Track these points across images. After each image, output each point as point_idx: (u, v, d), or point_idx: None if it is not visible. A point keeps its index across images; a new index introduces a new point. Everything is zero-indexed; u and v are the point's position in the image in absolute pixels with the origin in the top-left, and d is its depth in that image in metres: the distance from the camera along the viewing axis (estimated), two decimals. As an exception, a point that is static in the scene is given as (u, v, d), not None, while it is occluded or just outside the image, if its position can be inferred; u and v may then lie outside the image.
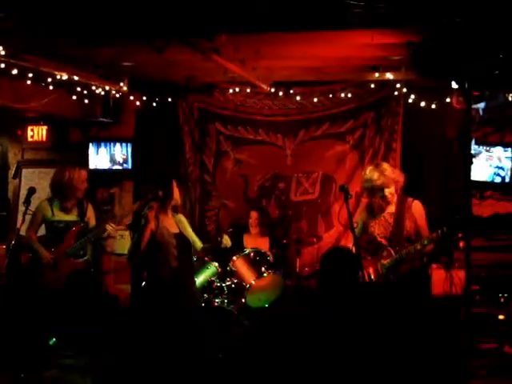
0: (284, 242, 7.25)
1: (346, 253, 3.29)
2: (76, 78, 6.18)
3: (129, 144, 7.96)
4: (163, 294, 4.75)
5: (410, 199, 5.11)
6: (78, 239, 5.77)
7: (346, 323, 2.95)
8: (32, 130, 8.23)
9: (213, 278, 6.46)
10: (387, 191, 5.06)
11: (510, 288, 6.05)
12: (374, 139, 7.36)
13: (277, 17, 4.37)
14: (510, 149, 6.41)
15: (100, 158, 8.02)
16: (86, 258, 5.92)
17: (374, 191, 5.10)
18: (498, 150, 6.42)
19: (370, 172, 5.12)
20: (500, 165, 6.44)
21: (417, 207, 5.07)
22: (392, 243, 5.05)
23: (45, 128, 8.17)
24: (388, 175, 5.04)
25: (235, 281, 6.52)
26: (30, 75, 5.91)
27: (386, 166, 5.16)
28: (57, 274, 5.70)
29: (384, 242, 5.11)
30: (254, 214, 7.24)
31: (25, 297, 5.74)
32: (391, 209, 5.13)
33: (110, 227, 5.71)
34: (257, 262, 6.58)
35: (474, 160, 6.29)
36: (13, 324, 5.80)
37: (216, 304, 6.24)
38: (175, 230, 4.95)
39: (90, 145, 8.01)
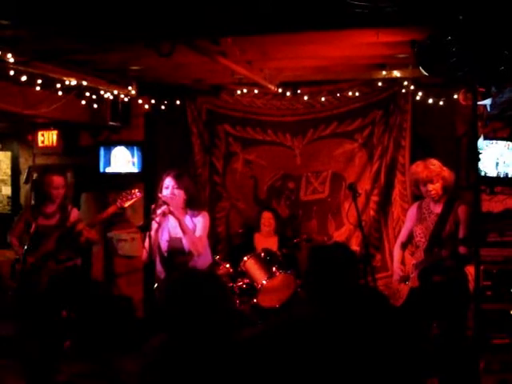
0: (295, 242, 7.26)
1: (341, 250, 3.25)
2: (84, 83, 6.22)
3: (138, 147, 8.01)
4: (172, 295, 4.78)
5: (457, 203, 5.04)
6: (59, 243, 5.75)
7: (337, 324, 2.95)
8: (42, 135, 8.26)
9: (224, 279, 6.50)
10: (431, 186, 4.97)
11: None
12: (382, 137, 7.35)
13: (281, 18, 4.39)
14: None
15: (110, 161, 8.07)
16: (73, 261, 5.91)
17: (419, 185, 5.05)
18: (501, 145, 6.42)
19: (416, 165, 5.09)
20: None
21: (463, 211, 4.99)
22: (430, 243, 5.01)
23: (55, 133, 8.21)
24: (433, 170, 4.97)
25: (246, 281, 6.56)
26: (39, 81, 5.96)
27: (434, 161, 5.07)
28: (38, 277, 5.69)
29: (423, 241, 5.07)
30: (266, 214, 7.25)
31: (31, 301, 5.76)
32: (437, 210, 5.07)
33: (81, 227, 5.70)
34: (268, 262, 6.61)
35: (484, 156, 6.28)
36: (23, 329, 5.85)
37: (228, 305, 6.27)
38: (175, 234, 4.97)
39: (101, 148, 8.06)
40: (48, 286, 5.69)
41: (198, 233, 5.03)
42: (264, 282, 6.38)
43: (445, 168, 5.09)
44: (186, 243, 4.96)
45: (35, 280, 5.68)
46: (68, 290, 5.83)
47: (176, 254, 5.03)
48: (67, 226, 5.81)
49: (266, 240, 7.16)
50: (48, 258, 5.71)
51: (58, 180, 5.83)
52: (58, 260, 5.79)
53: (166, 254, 5.07)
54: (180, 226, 4.90)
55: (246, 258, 6.61)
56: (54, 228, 5.78)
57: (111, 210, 5.64)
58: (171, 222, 5.05)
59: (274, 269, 6.50)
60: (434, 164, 5.03)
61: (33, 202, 5.94)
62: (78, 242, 5.80)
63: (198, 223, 5.04)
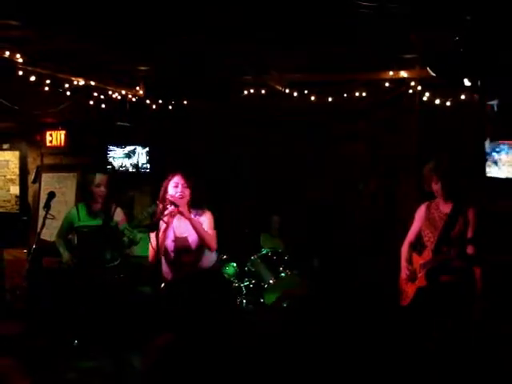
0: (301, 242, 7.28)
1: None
2: (92, 83, 6.24)
3: (146, 147, 8.04)
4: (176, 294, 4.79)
5: (466, 203, 5.00)
6: (104, 244, 5.71)
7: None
8: (50, 135, 8.32)
9: (232, 279, 6.52)
10: (434, 186, 4.95)
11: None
12: (389, 137, 7.36)
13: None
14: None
15: (118, 161, 8.10)
16: (116, 263, 5.90)
17: (425, 180, 5.03)
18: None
19: (430, 162, 5.04)
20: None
21: (472, 212, 4.96)
22: (438, 243, 4.99)
23: (63, 133, 8.26)
24: (439, 169, 4.94)
25: (253, 281, 6.57)
26: (48, 82, 5.99)
27: (445, 161, 5.03)
28: (83, 278, 5.68)
29: (431, 241, 5.06)
30: (275, 219, 7.30)
31: (47, 299, 5.77)
32: (446, 210, 5.05)
33: (123, 226, 5.65)
34: (274, 261, 6.62)
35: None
36: (36, 326, 5.87)
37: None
38: (181, 234, 4.97)
39: (108, 148, 8.09)
40: (92, 286, 5.65)
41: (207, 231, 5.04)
42: (271, 281, 6.40)
43: (448, 171, 5.01)
44: (193, 242, 4.97)
45: (80, 280, 5.66)
46: (106, 289, 5.80)
47: (182, 253, 5.02)
48: (111, 225, 5.77)
49: (273, 240, 7.18)
50: (93, 259, 5.69)
51: (99, 178, 5.81)
52: (103, 261, 5.75)
53: (172, 254, 5.07)
54: (191, 224, 4.91)
55: (253, 258, 6.63)
56: (99, 228, 5.75)
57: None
58: (175, 221, 5.06)
59: (280, 268, 6.51)
60: (446, 165, 5.00)
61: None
62: (121, 242, 5.77)
63: (204, 223, 5.04)
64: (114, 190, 5.92)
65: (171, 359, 3.62)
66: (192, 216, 5.03)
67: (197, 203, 5.09)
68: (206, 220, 5.07)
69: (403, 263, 5.28)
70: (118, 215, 5.88)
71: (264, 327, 6.13)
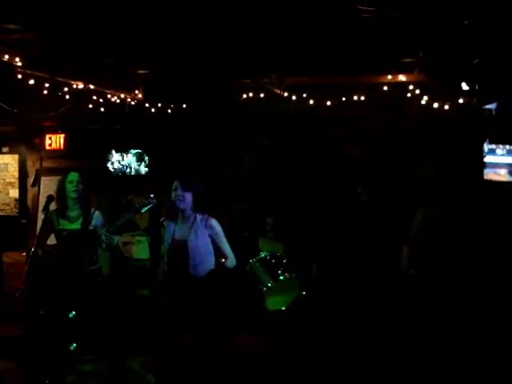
0: (300, 244, 7.28)
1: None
2: (92, 86, 6.25)
3: (146, 150, 8.05)
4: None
5: (462, 207, 5.07)
6: (83, 248, 5.70)
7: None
8: (50, 138, 8.33)
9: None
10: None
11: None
12: (388, 140, 7.37)
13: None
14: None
15: (117, 164, 8.11)
16: (95, 267, 5.89)
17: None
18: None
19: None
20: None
21: (468, 216, 5.01)
22: (435, 244, 5.04)
23: (62, 136, 8.27)
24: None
25: (252, 284, 6.56)
26: (47, 85, 5.99)
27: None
28: (62, 281, 5.67)
29: (431, 242, 5.11)
30: (269, 221, 7.32)
31: (46, 302, 5.77)
32: (442, 212, 5.10)
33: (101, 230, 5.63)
34: (273, 264, 6.62)
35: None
36: (36, 329, 5.86)
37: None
38: (181, 237, 4.99)
39: (108, 152, 8.10)
40: (70, 289, 5.64)
41: (222, 244, 5.14)
42: (269, 284, 6.39)
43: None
44: (193, 247, 4.99)
45: (59, 283, 5.65)
46: (88, 292, 5.79)
47: (178, 257, 5.04)
48: (89, 229, 5.73)
49: (271, 243, 7.17)
50: (73, 263, 5.67)
51: (72, 175, 5.79)
52: (83, 264, 5.73)
53: (168, 258, 5.09)
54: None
55: (251, 261, 6.62)
56: (78, 232, 5.73)
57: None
58: (178, 225, 5.07)
59: (279, 271, 6.50)
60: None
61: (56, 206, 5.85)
62: (100, 246, 5.74)
63: (217, 235, 5.11)
64: (88, 192, 5.89)
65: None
66: (198, 220, 5.08)
67: (199, 206, 5.13)
68: (215, 229, 5.13)
69: (403, 264, 5.31)
70: (97, 219, 5.86)
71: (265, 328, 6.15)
